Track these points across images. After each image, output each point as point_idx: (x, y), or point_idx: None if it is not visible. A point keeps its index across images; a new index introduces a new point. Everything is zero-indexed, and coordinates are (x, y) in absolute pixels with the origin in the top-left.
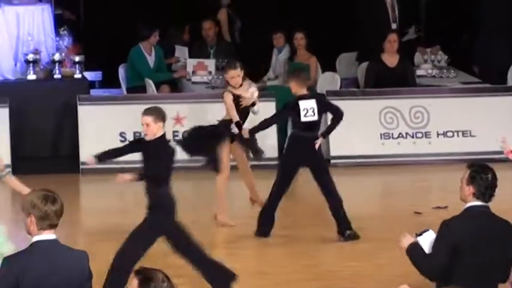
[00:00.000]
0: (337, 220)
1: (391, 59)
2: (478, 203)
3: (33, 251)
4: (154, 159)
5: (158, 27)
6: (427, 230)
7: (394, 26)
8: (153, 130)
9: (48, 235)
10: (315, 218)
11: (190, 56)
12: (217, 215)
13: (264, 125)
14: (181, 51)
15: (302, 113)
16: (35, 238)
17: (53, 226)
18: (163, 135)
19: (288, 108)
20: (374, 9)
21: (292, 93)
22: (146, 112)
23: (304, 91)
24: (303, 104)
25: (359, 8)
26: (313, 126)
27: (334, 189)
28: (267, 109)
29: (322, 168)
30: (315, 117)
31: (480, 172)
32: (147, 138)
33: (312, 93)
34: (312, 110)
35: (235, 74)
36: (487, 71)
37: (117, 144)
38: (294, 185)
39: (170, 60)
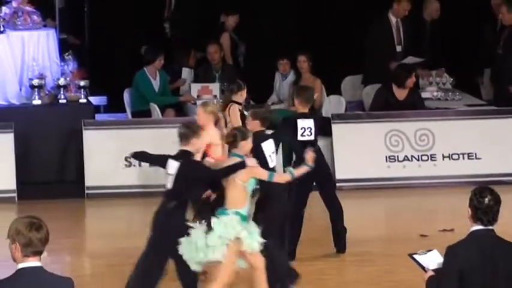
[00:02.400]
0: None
1: (401, 92)
2: (481, 226)
3: (18, 278)
4: None
5: (163, 52)
6: (431, 250)
7: (399, 48)
8: None
9: (33, 262)
10: (317, 239)
11: (196, 80)
12: None
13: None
14: (187, 74)
15: (299, 132)
16: (20, 265)
17: (37, 253)
18: None
19: (286, 124)
20: (380, 32)
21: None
22: None
23: (305, 110)
24: (301, 123)
25: (365, 30)
26: (308, 146)
27: (336, 202)
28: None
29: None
30: (311, 137)
31: (477, 195)
32: None
33: (311, 113)
34: (309, 129)
35: (245, 93)
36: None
37: (123, 169)
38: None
39: (177, 84)
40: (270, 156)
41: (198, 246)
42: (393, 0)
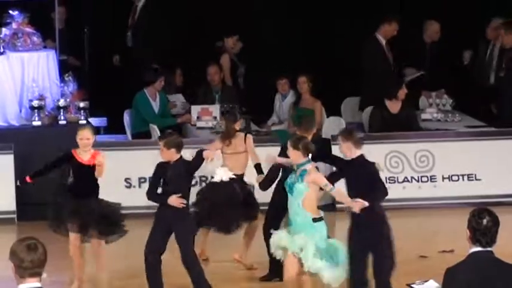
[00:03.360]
0: None
1: (394, 105)
2: (480, 248)
3: None
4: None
5: (163, 74)
6: (427, 280)
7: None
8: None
9: (33, 284)
10: None
11: (195, 101)
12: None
13: (273, 172)
14: (175, 97)
15: None
16: (20, 286)
17: (34, 275)
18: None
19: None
20: (373, 53)
21: None
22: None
23: (309, 138)
24: None
25: (360, 55)
26: None
27: None
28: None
29: None
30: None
31: (475, 216)
32: None
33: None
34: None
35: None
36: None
37: (123, 190)
38: None
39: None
40: None
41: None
42: (383, 21)
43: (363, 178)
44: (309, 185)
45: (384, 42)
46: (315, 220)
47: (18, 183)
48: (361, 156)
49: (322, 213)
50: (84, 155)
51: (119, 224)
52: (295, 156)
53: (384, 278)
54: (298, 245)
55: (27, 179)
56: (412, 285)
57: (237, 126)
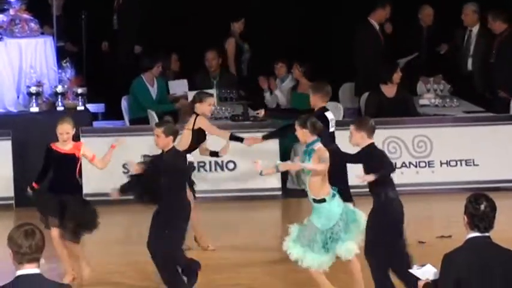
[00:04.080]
0: None
1: (389, 89)
2: (477, 233)
3: (16, 285)
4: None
5: (161, 59)
6: (425, 265)
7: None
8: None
9: (31, 269)
10: None
11: (193, 86)
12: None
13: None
14: (178, 86)
15: (330, 124)
16: (18, 272)
17: (32, 260)
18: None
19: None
20: (367, 37)
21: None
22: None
23: (326, 104)
24: (329, 115)
25: (353, 39)
26: (334, 138)
27: None
28: (269, 140)
29: None
30: (334, 129)
31: (472, 202)
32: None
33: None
34: (333, 121)
35: (212, 102)
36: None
37: (121, 176)
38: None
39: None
40: None
41: None
42: (377, 5)
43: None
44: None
45: (377, 26)
46: (315, 201)
47: (29, 191)
48: (372, 144)
49: (330, 194)
50: (64, 145)
51: (91, 224)
52: (303, 136)
53: (372, 268)
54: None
55: (34, 185)
56: (410, 271)
57: (202, 107)
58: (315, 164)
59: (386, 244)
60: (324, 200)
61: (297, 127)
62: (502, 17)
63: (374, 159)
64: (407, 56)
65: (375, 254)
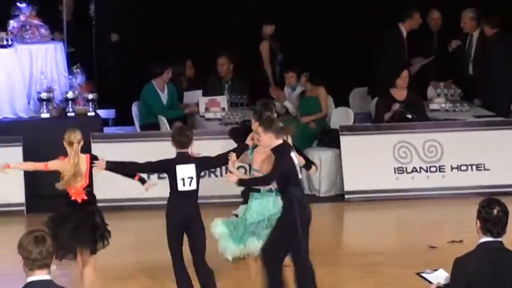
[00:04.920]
0: None
1: (400, 92)
2: (489, 238)
3: None
4: None
5: (171, 65)
6: (437, 269)
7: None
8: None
9: (42, 276)
10: (325, 254)
11: (205, 90)
12: None
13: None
14: (193, 96)
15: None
16: (29, 279)
17: (42, 267)
18: None
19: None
20: (393, 42)
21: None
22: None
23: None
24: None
25: (374, 42)
26: None
27: None
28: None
29: None
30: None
31: (485, 206)
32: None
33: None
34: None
35: None
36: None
37: (132, 183)
38: None
39: (191, 109)
40: None
41: None
42: (404, 12)
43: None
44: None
45: (405, 34)
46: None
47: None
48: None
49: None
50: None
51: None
52: (269, 140)
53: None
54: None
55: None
56: (422, 274)
57: None
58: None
59: (281, 245)
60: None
61: (261, 132)
62: (489, 22)
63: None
64: (423, 61)
65: (269, 253)
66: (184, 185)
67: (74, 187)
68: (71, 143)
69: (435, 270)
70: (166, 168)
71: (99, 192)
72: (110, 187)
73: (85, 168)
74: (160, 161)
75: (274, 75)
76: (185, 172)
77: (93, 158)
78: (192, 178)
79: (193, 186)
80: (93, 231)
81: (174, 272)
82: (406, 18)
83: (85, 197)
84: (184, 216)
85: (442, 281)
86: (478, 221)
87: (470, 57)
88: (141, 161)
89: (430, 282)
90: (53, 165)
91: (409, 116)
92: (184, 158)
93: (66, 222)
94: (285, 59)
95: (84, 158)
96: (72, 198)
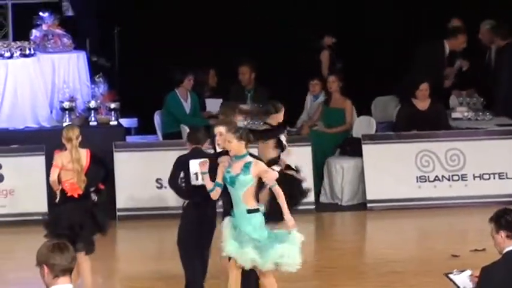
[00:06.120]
0: None
1: (422, 103)
2: None
3: None
4: None
5: (192, 72)
6: (465, 270)
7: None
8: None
9: (64, 285)
10: (347, 262)
11: (227, 100)
12: None
13: None
14: (215, 104)
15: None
16: None
17: (66, 272)
18: None
19: None
20: (433, 53)
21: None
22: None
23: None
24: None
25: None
26: None
27: None
28: (302, 154)
29: None
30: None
31: (502, 216)
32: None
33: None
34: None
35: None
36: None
37: (154, 190)
38: None
39: (205, 115)
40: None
41: None
42: (451, 30)
43: None
44: (254, 177)
45: (447, 51)
46: (249, 211)
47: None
48: None
49: (261, 206)
50: None
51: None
52: (238, 147)
53: None
54: (247, 259)
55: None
56: (450, 275)
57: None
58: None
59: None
60: (257, 210)
61: (233, 140)
62: (500, 34)
63: None
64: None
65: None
66: (197, 179)
67: (68, 182)
68: (69, 139)
69: (462, 271)
70: (181, 163)
71: (121, 201)
72: (132, 197)
73: (85, 162)
74: (175, 162)
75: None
76: (197, 167)
77: (94, 156)
78: None
79: None
80: (91, 231)
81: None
82: (450, 37)
83: (81, 192)
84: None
85: (471, 286)
86: (502, 232)
87: (491, 68)
88: (164, 172)
89: (456, 284)
90: (59, 162)
91: None
92: (197, 153)
93: (64, 223)
94: (343, 68)
95: (84, 153)
96: (68, 194)
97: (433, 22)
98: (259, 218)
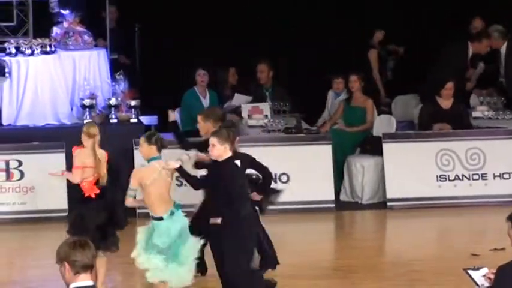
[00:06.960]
0: None
1: (446, 101)
2: None
3: None
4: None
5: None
6: (482, 267)
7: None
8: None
9: (85, 282)
10: (367, 261)
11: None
12: None
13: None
14: (240, 99)
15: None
16: (72, 285)
17: (87, 268)
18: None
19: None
20: (458, 53)
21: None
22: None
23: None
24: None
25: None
26: None
27: None
28: (323, 153)
29: None
30: None
31: None
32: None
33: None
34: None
35: None
36: None
37: (175, 188)
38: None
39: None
40: None
41: None
42: (477, 33)
43: None
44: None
45: (470, 53)
46: (154, 218)
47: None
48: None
49: (169, 211)
50: None
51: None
52: (149, 151)
53: None
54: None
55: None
56: (468, 271)
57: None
58: None
59: None
60: (161, 218)
61: (144, 143)
62: (501, 36)
63: None
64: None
65: None
66: None
67: (86, 181)
68: (92, 135)
69: (479, 268)
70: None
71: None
72: None
73: (104, 161)
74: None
75: (386, 80)
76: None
77: (111, 164)
78: None
79: None
80: (113, 229)
81: None
82: (474, 40)
83: (97, 191)
84: None
85: (487, 284)
86: None
87: (501, 72)
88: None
89: (474, 280)
90: (80, 162)
91: None
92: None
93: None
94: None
95: (102, 153)
96: (86, 194)
97: (455, 22)
98: (161, 224)
